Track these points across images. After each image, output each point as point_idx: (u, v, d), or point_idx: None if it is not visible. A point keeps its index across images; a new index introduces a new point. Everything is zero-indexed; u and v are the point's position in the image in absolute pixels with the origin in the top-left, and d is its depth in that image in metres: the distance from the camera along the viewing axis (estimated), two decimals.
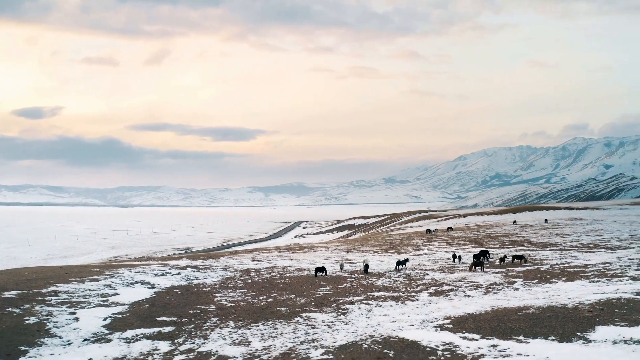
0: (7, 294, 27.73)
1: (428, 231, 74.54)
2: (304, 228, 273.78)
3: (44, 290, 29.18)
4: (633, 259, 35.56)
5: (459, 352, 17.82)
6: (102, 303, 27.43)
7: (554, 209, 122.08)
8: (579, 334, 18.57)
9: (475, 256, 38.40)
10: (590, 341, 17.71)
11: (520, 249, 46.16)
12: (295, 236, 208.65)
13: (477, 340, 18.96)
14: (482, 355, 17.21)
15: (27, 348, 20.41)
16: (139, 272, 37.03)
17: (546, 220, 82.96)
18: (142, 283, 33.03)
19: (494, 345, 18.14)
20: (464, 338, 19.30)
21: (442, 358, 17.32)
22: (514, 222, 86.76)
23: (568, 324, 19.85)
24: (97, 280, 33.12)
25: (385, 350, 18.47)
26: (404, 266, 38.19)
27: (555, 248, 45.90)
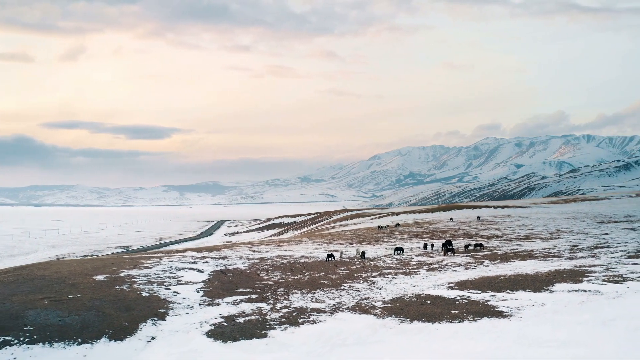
0: (99, 277, 35.83)
1: (379, 227, 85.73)
2: (229, 227, 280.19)
3: (122, 275, 37.34)
4: (565, 245, 47.96)
5: (472, 299, 28.38)
6: (179, 282, 36.03)
7: (480, 207, 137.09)
8: (544, 287, 29.64)
9: (443, 244, 49.58)
10: (553, 291, 28.76)
11: (472, 240, 57.85)
12: (225, 234, 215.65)
13: (480, 293, 29.63)
14: (488, 300, 27.83)
15: (165, 310, 29.12)
16: (172, 261, 45.29)
17: (478, 218, 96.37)
18: (189, 269, 41.58)
19: (493, 295, 28.85)
20: (471, 293, 29.92)
21: (464, 303, 27.79)
22: (451, 219, 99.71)
23: (535, 283, 30.97)
24: (149, 267, 41.29)
25: (424, 301, 28.75)
26: (399, 252, 48.83)
27: (499, 239, 58.01)
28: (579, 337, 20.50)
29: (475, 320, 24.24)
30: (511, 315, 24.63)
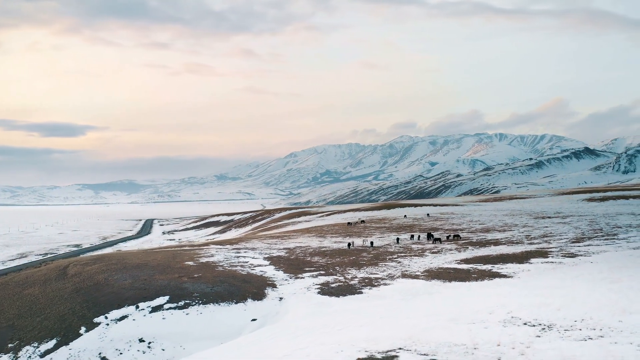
0: (190, 263, 48.00)
1: (349, 224, 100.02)
2: (161, 225, 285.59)
3: (204, 261, 49.60)
4: (520, 235, 64.04)
5: (480, 269, 43.06)
6: (253, 265, 48.74)
7: (421, 205, 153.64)
8: (525, 261, 44.80)
9: (428, 236, 64.40)
10: (532, 263, 43.93)
11: (441, 233, 72.96)
12: (163, 232, 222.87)
13: (483, 265, 44.41)
14: (491, 269, 42.57)
15: (272, 282, 42.06)
16: (218, 252, 57.38)
17: (428, 215, 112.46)
18: (243, 256, 54.12)
19: (492, 266, 43.68)
20: (477, 265, 44.63)
21: (476, 271, 42.38)
22: (405, 216, 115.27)
23: (517, 258, 46.16)
24: (212, 256, 53.41)
25: (447, 271, 43.16)
26: (398, 241, 63.32)
27: (464, 232, 73.43)
28: (562, 284, 35.43)
29: (492, 279, 38.91)
30: (512, 277, 39.43)
